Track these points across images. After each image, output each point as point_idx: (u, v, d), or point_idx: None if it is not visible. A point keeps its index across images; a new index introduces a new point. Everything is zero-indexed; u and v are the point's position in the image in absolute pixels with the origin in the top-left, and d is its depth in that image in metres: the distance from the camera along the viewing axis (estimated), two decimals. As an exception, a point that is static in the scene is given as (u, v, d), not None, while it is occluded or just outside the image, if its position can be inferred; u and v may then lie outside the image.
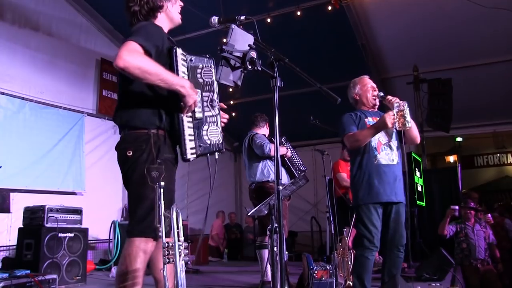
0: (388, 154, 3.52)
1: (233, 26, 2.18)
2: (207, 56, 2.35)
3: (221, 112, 2.44)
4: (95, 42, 7.87)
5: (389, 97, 3.58)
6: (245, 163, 5.09)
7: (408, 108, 3.36)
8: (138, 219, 2.18)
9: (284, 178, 4.85)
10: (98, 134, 7.64)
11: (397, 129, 3.41)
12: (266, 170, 4.87)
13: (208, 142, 2.30)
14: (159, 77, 2.07)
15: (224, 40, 2.25)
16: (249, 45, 2.13)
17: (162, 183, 1.99)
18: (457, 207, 5.93)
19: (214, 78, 2.36)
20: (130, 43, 2.08)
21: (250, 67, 2.08)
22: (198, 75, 2.32)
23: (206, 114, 2.33)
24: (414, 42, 7.57)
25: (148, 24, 2.33)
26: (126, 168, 2.27)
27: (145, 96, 2.24)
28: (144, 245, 2.15)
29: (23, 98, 6.41)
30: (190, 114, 2.26)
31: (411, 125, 3.43)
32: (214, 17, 2.40)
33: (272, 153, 4.73)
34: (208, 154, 2.32)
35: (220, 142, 2.35)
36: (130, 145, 2.24)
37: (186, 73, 2.29)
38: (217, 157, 2.33)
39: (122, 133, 2.33)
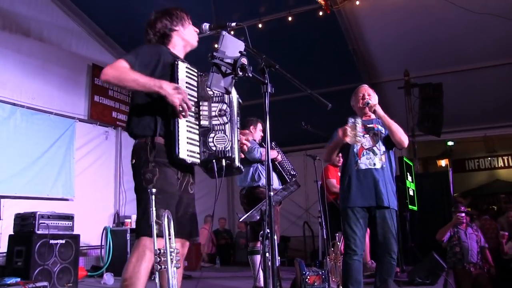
0: (369, 159, 3.58)
1: (224, 32, 2.19)
2: (209, 86, 2.44)
3: (240, 135, 2.63)
4: (87, 47, 7.84)
5: (371, 103, 3.69)
6: None
7: (359, 125, 3.48)
8: (138, 220, 2.37)
9: (276, 183, 4.83)
10: (89, 139, 7.60)
11: (349, 142, 3.52)
12: (257, 175, 4.85)
13: (214, 148, 2.41)
14: (136, 82, 2.29)
15: (216, 46, 2.26)
16: (240, 52, 2.14)
17: (156, 183, 2.18)
18: (463, 215, 5.96)
19: (226, 96, 2.50)
20: (117, 60, 2.37)
21: (241, 73, 2.09)
22: (208, 88, 2.44)
23: (214, 122, 2.46)
24: (405, 47, 7.62)
25: (144, 45, 2.57)
26: (133, 176, 2.46)
27: (146, 106, 2.44)
28: (150, 244, 2.22)
29: (14, 104, 6.37)
30: (194, 121, 2.43)
31: (395, 128, 3.56)
32: (205, 23, 2.43)
33: (263, 157, 4.72)
34: (215, 161, 2.40)
35: (227, 149, 2.41)
36: (134, 154, 2.46)
37: (195, 85, 2.51)
38: (224, 163, 2.40)
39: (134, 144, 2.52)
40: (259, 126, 5.10)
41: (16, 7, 6.66)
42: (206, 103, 2.49)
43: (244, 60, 2.10)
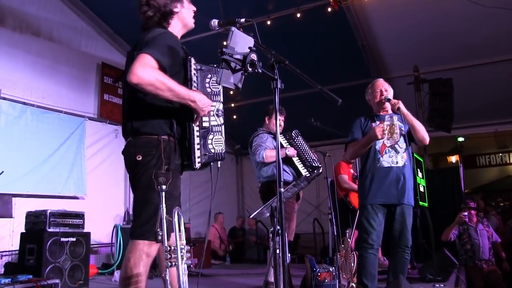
0: (391, 157, 3.58)
1: (233, 29, 2.18)
2: (215, 66, 2.40)
3: None
4: (96, 46, 7.88)
5: (393, 100, 3.67)
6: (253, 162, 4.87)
7: (398, 122, 3.45)
8: (141, 222, 2.21)
9: (289, 177, 4.63)
10: (99, 138, 7.64)
11: (387, 142, 3.52)
12: (271, 170, 4.65)
13: (213, 151, 2.35)
14: (172, 93, 2.12)
15: (225, 43, 2.25)
16: (250, 48, 2.13)
17: (164, 187, 2.07)
18: (466, 213, 5.91)
19: (220, 89, 2.43)
20: (145, 57, 2.11)
21: (250, 69, 2.08)
22: (207, 85, 2.40)
23: (212, 123, 2.40)
24: (414, 42, 7.56)
25: (165, 34, 2.33)
26: (134, 172, 2.29)
27: (158, 106, 2.27)
28: (147, 248, 2.17)
29: (24, 103, 6.42)
30: (198, 123, 2.34)
31: (418, 126, 3.57)
32: (214, 20, 2.41)
33: (267, 160, 4.52)
34: (212, 163, 2.38)
35: (223, 151, 2.39)
36: (140, 149, 2.27)
37: (196, 81, 2.37)
38: (219, 165, 2.38)
39: (130, 138, 2.34)
40: (275, 116, 4.87)
41: (26, 8, 6.71)
42: (210, 102, 2.37)
43: (253, 56, 2.09)
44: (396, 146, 3.59)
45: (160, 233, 2.04)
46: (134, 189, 2.32)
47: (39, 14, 6.90)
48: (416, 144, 3.71)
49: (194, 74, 2.36)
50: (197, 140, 2.31)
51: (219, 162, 2.38)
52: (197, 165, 2.27)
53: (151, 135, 2.27)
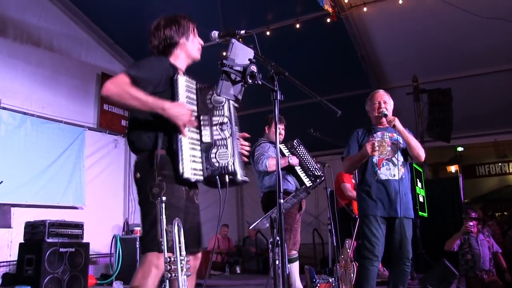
0: (389, 170, 3.59)
1: (233, 40, 2.19)
2: (218, 94, 2.37)
3: (242, 140, 2.57)
4: (96, 56, 7.91)
5: (390, 117, 3.67)
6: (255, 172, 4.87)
7: (387, 140, 3.59)
8: (144, 234, 2.31)
9: (292, 187, 4.62)
10: (99, 148, 7.65)
11: (378, 157, 3.59)
12: (273, 180, 4.64)
13: (216, 164, 2.34)
14: (138, 101, 2.23)
15: (224, 54, 2.26)
16: (250, 59, 2.15)
17: (164, 198, 2.06)
18: (472, 223, 5.89)
19: (224, 103, 2.45)
20: (119, 75, 2.30)
21: (250, 81, 2.09)
22: (208, 101, 2.43)
23: (216, 137, 2.40)
24: (413, 53, 7.61)
25: (148, 58, 2.51)
26: (137, 190, 2.41)
27: (147, 120, 2.36)
28: (156, 260, 2.19)
29: (24, 113, 6.43)
30: (196, 136, 2.37)
31: (413, 143, 3.61)
32: (214, 31, 2.42)
33: (270, 168, 4.52)
34: (218, 177, 2.35)
35: (230, 164, 2.36)
36: (138, 168, 2.40)
37: (195, 98, 2.44)
38: (227, 179, 2.35)
39: (136, 158, 2.46)
40: (274, 125, 4.87)
41: (27, 18, 6.74)
42: (206, 117, 2.42)
43: (253, 68, 2.10)
44: (393, 159, 3.59)
45: (163, 243, 2.05)
46: (139, 205, 2.43)
47: (40, 24, 6.94)
48: (412, 160, 3.73)
49: (188, 90, 2.41)
50: (192, 152, 2.32)
51: (227, 177, 2.35)
52: (190, 176, 2.26)
53: (144, 151, 2.36)
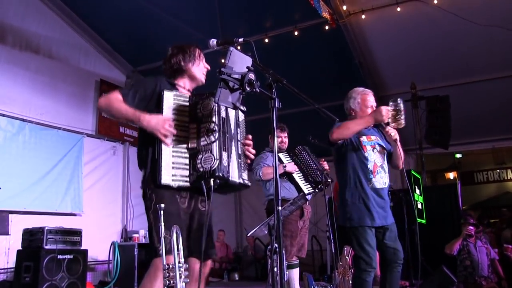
0: (382, 177, 3.49)
1: (232, 48, 2.21)
2: (206, 93, 2.55)
3: (247, 142, 2.73)
4: (95, 63, 7.93)
5: (388, 128, 3.42)
6: None
7: (402, 107, 3.26)
8: (149, 242, 2.49)
9: (289, 193, 4.64)
10: (97, 154, 7.65)
11: (391, 126, 3.32)
12: (272, 188, 4.70)
13: (201, 169, 2.41)
14: (120, 112, 2.49)
15: (223, 61, 2.28)
16: (248, 67, 2.16)
17: (162, 205, 2.18)
18: (472, 227, 5.90)
19: (213, 110, 2.50)
20: (113, 91, 2.57)
21: (248, 89, 2.10)
22: (198, 110, 2.52)
23: (202, 143, 2.47)
24: (411, 60, 7.63)
25: (144, 78, 2.83)
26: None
27: (142, 138, 2.60)
28: (160, 264, 2.23)
29: (23, 120, 6.44)
30: (183, 145, 2.49)
31: (401, 154, 3.47)
32: (212, 39, 2.45)
33: (264, 177, 4.61)
34: (203, 182, 2.40)
35: (213, 168, 2.38)
36: (142, 183, 2.58)
37: (184, 110, 2.55)
38: (212, 184, 2.38)
39: None
40: (276, 133, 4.88)
41: (26, 25, 6.77)
42: (194, 125, 2.51)
43: (251, 76, 2.12)
44: (383, 165, 3.52)
45: (160, 248, 2.20)
46: None
47: (39, 31, 6.96)
48: (390, 166, 3.63)
49: (176, 103, 2.54)
50: (174, 159, 2.43)
51: (211, 181, 2.38)
52: (166, 182, 2.38)
53: (143, 167, 2.56)
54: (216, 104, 2.45)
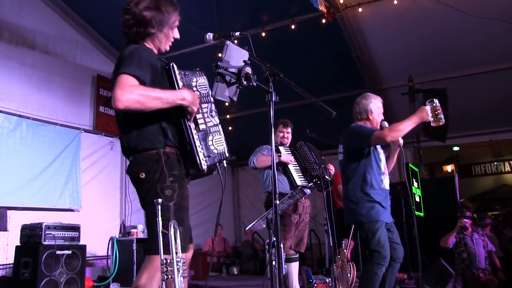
0: (388, 179, 3.71)
1: (228, 42, 2.20)
2: (198, 69, 2.41)
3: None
4: (91, 58, 7.90)
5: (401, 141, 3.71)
6: None
7: (439, 105, 3.47)
8: (153, 237, 2.12)
9: (283, 188, 4.66)
10: (95, 150, 7.63)
11: (432, 124, 3.49)
12: (268, 181, 4.75)
13: (215, 151, 2.29)
14: (159, 101, 2.10)
15: (220, 55, 2.27)
16: (244, 61, 2.15)
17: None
18: (466, 220, 5.93)
19: (208, 90, 2.38)
20: (123, 78, 2.09)
21: (245, 82, 2.10)
22: (194, 88, 2.35)
23: (209, 124, 2.34)
24: (409, 53, 7.63)
25: (140, 49, 2.28)
26: (141, 190, 2.26)
27: (149, 117, 2.22)
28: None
29: (20, 116, 6.42)
30: (193, 126, 2.27)
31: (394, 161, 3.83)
32: (209, 33, 2.43)
33: (258, 165, 4.67)
34: (218, 164, 2.31)
35: (226, 150, 2.34)
36: (142, 166, 2.23)
37: (182, 85, 2.32)
38: (225, 165, 2.34)
39: (131, 156, 2.31)
40: (279, 128, 4.95)
41: (22, 21, 6.73)
42: (197, 95, 2.32)
43: (248, 69, 2.12)
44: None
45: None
46: (143, 207, 2.28)
47: (35, 27, 6.92)
48: None
49: (180, 79, 2.32)
50: (197, 142, 2.24)
51: (224, 162, 2.33)
52: (204, 167, 2.20)
53: (150, 150, 2.23)
54: (206, 81, 2.37)
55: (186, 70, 2.38)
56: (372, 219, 3.49)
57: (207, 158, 2.25)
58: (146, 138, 2.23)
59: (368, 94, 3.91)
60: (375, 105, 3.78)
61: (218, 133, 2.33)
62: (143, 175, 2.21)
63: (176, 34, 2.48)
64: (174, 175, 2.20)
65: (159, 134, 2.23)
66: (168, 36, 2.43)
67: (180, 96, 2.15)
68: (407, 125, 3.42)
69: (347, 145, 3.73)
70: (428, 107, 3.45)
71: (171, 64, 2.28)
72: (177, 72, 2.30)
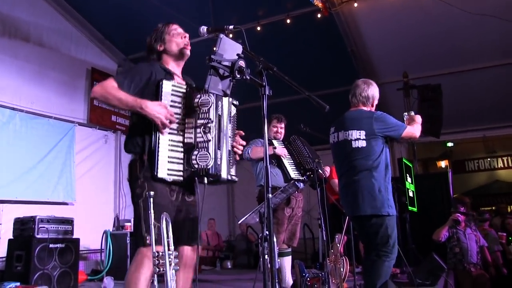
0: None
1: (222, 35, 2.20)
2: (206, 89, 2.45)
3: (238, 138, 2.67)
4: (86, 52, 7.86)
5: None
6: None
7: None
8: (134, 231, 2.53)
9: (277, 181, 4.67)
10: (89, 143, 7.61)
11: None
12: (261, 174, 4.76)
13: (196, 166, 2.40)
14: (120, 101, 2.42)
15: (215, 49, 2.27)
16: (238, 54, 2.15)
17: (152, 193, 2.18)
18: (459, 215, 5.97)
19: (211, 106, 2.45)
20: (108, 79, 2.51)
21: (238, 76, 2.10)
22: (195, 104, 2.46)
23: (199, 139, 2.44)
24: (404, 48, 7.64)
25: (139, 64, 2.76)
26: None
27: (138, 124, 2.52)
28: (146, 251, 2.31)
29: (13, 109, 6.38)
30: (179, 139, 2.46)
31: None
32: (203, 26, 2.43)
33: (252, 155, 4.68)
34: (197, 178, 2.42)
35: (210, 166, 2.40)
36: (128, 170, 2.60)
37: (181, 102, 2.51)
38: (206, 181, 2.42)
39: None
40: (273, 123, 4.97)
41: (16, 13, 6.68)
42: (192, 120, 2.48)
43: (241, 63, 2.12)
44: None
45: (148, 237, 2.24)
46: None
47: (28, 19, 6.87)
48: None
49: (174, 94, 2.50)
50: (171, 153, 2.42)
51: (205, 179, 2.41)
52: (164, 175, 2.38)
53: (133, 154, 2.55)
54: (214, 101, 2.44)
55: (196, 86, 2.61)
56: (394, 213, 3.45)
57: (184, 171, 2.44)
58: (131, 142, 2.55)
59: (371, 80, 3.86)
60: (375, 94, 3.77)
61: (205, 149, 2.42)
62: (128, 178, 2.60)
63: (181, 32, 2.75)
64: (146, 176, 2.45)
65: (140, 140, 2.51)
66: (171, 42, 2.71)
67: (138, 103, 2.38)
68: (419, 129, 3.72)
69: (380, 131, 3.50)
70: None
71: (161, 82, 2.49)
72: (167, 88, 2.49)
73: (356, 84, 3.80)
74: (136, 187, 2.46)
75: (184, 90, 2.55)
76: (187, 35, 2.73)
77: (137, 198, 2.45)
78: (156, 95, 2.47)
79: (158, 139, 2.40)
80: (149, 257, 2.23)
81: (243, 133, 2.72)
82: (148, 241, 2.25)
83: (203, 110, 2.46)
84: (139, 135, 2.51)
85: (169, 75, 2.60)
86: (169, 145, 2.44)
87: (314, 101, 2.28)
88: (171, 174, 2.41)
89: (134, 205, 2.49)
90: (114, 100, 2.42)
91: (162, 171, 2.38)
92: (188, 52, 2.71)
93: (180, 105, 2.51)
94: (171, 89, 2.50)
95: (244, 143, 2.73)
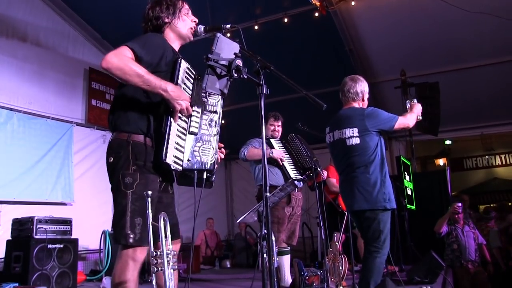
0: None
1: (219, 34, 2.20)
2: (204, 88, 2.32)
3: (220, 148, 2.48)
4: (83, 51, 7.85)
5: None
6: None
7: None
8: (113, 225, 2.19)
9: (277, 180, 4.70)
10: (87, 143, 7.60)
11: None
12: (261, 174, 4.76)
13: (198, 159, 2.28)
14: (140, 79, 2.10)
15: (212, 48, 2.27)
16: (235, 53, 2.15)
17: (150, 192, 2.03)
18: (460, 204, 5.99)
19: (219, 100, 2.39)
20: (121, 47, 2.16)
21: (236, 75, 2.09)
22: (203, 94, 2.35)
23: (203, 131, 2.34)
24: (401, 47, 7.64)
25: (150, 34, 2.41)
26: (108, 174, 2.29)
27: (137, 100, 2.25)
28: (132, 253, 2.14)
29: (11, 109, 6.37)
30: (184, 125, 2.27)
31: None
32: (200, 26, 2.43)
33: (248, 157, 4.72)
34: (195, 172, 2.28)
35: (211, 162, 2.31)
36: (112, 151, 2.26)
37: (191, 88, 2.35)
38: (205, 176, 2.30)
39: (110, 137, 2.33)
40: (270, 121, 4.98)
41: (13, 13, 6.66)
42: (199, 110, 2.35)
43: (239, 62, 2.11)
44: None
45: (132, 236, 2.07)
46: (112, 192, 2.31)
47: (26, 19, 6.85)
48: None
49: (186, 77, 2.33)
50: (177, 139, 2.22)
51: (205, 173, 2.30)
52: (170, 162, 2.15)
53: (123, 133, 2.24)
54: (220, 95, 2.35)
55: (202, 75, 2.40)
56: (392, 207, 3.46)
57: (185, 161, 2.24)
58: (127, 120, 2.25)
59: (358, 76, 3.87)
60: (367, 88, 3.82)
61: (209, 143, 2.33)
62: (111, 160, 2.25)
63: (193, 18, 2.56)
64: (138, 165, 2.19)
65: (140, 120, 2.24)
66: (186, 22, 2.51)
67: (163, 86, 2.14)
68: (414, 118, 3.77)
69: (373, 127, 3.53)
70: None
71: (179, 60, 2.29)
72: (184, 69, 2.30)
73: (343, 82, 3.84)
74: (126, 175, 2.16)
75: (194, 76, 2.39)
76: (197, 20, 2.57)
77: (126, 188, 2.15)
78: (171, 75, 2.26)
79: (170, 122, 2.17)
80: (132, 258, 2.12)
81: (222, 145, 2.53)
82: (131, 240, 2.07)
83: (212, 103, 2.37)
84: (139, 113, 2.24)
85: (179, 56, 2.40)
86: (177, 130, 2.23)
87: (312, 100, 2.27)
88: (175, 162, 2.19)
89: (117, 194, 2.19)
90: (133, 76, 2.08)
91: (170, 157, 2.14)
92: (192, 37, 2.55)
93: (189, 91, 2.34)
94: (186, 71, 2.33)
95: (224, 151, 2.56)
